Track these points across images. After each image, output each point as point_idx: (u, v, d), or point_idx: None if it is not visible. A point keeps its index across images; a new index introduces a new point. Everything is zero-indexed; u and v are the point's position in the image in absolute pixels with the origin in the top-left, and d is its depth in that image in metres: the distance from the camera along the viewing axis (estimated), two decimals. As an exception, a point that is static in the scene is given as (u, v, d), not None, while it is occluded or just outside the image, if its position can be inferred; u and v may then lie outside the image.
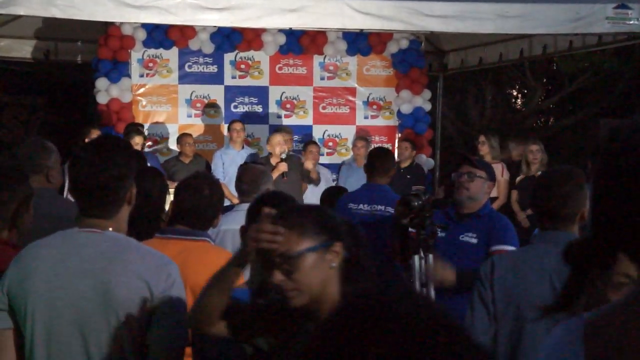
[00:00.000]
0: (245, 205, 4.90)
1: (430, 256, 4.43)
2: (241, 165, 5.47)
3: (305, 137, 11.26)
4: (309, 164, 9.44)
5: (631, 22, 8.05)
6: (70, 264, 2.66)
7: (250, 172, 5.09)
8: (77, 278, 2.64)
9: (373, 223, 5.97)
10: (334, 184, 10.25)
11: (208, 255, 3.69)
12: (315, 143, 10.60)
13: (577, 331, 1.33)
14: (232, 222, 4.46)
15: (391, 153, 6.76)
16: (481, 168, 4.87)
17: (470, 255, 4.61)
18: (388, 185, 6.36)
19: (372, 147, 10.93)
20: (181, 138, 10.22)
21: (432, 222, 4.50)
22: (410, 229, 4.59)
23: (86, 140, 9.22)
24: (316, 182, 9.52)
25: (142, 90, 10.92)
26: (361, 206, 6.19)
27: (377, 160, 6.37)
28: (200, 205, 3.71)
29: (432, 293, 4.39)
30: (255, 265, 2.85)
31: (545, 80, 18.71)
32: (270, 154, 9.31)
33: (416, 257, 4.44)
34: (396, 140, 11.42)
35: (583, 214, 3.33)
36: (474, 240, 4.69)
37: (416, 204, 4.48)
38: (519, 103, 20.99)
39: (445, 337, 1.14)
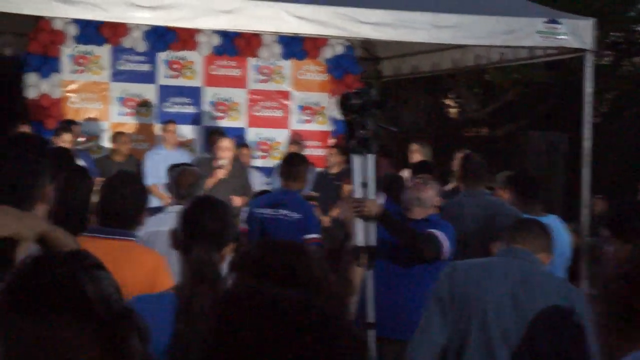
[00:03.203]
0: (179, 207, 4.87)
1: (370, 156, 4.38)
2: (178, 168, 5.37)
3: (238, 139, 11.18)
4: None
5: (560, 37, 8.23)
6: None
7: (190, 177, 5.04)
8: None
9: (275, 226, 6.09)
10: (266, 187, 10.21)
11: (136, 256, 3.67)
12: (246, 146, 10.54)
13: None
14: (164, 224, 4.40)
15: (303, 159, 6.77)
16: (435, 183, 5.06)
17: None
18: (300, 188, 6.41)
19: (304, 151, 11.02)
20: (117, 136, 10.08)
21: (375, 121, 4.44)
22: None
23: (13, 135, 9.03)
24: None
25: (72, 86, 10.73)
26: (266, 210, 6.22)
27: (288, 166, 6.42)
28: (120, 204, 3.67)
29: (372, 194, 4.36)
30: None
31: (475, 90, 18.96)
32: (214, 156, 9.15)
33: (356, 156, 4.39)
34: (330, 146, 11.44)
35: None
36: None
37: (355, 101, 4.39)
38: (453, 112, 21.25)
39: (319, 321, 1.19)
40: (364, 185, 4.35)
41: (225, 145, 9.00)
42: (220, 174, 8.81)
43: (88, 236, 3.69)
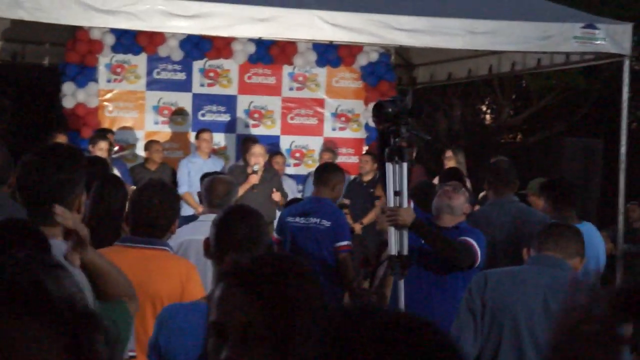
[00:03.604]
0: (213, 216, 4.91)
1: (405, 165, 4.36)
2: (210, 177, 5.39)
3: (272, 147, 11.21)
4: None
5: (598, 42, 8.14)
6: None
7: (223, 185, 5.06)
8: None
9: (306, 235, 6.13)
10: (299, 195, 10.22)
11: (168, 264, 3.68)
12: (280, 154, 10.54)
13: None
14: (197, 232, 4.41)
15: (334, 167, 6.80)
16: (466, 189, 5.02)
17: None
18: (332, 198, 6.40)
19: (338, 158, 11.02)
20: (150, 145, 10.14)
21: (408, 129, 4.43)
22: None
23: (51, 144, 9.13)
24: (280, 207, 9.37)
25: (109, 95, 10.82)
26: (297, 219, 6.24)
27: (320, 174, 6.49)
28: (150, 214, 3.69)
29: (405, 203, 4.34)
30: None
31: (514, 96, 18.85)
32: (247, 163, 9.24)
33: (390, 165, 4.37)
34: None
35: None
36: None
37: (390, 110, 4.38)
38: (488, 119, 21.12)
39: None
40: (397, 194, 4.32)
41: (258, 152, 9.08)
42: (253, 180, 8.90)
43: (120, 245, 3.72)
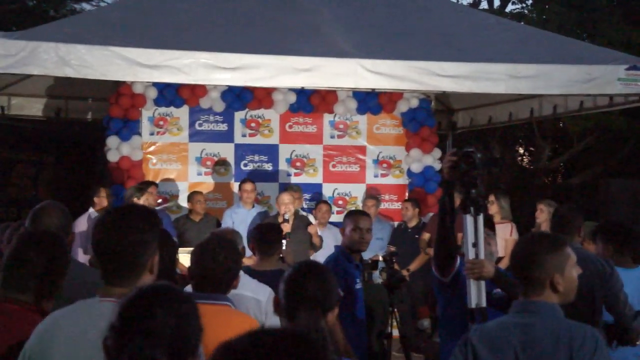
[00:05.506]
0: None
1: (481, 216, 4.28)
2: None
3: (315, 195, 11.22)
4: (312, 229, 9.37)
5: (642, 83, 8.06)
6: (91, 336, 2.58)
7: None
8: (98, 351, 2.56)
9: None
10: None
11: (230, 320, 3.64)
12: (326, 202, 10.49)
13: None
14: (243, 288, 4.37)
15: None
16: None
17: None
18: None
19: (381, 205, 10.98)
20: (192, 196, 10.15)
21: (482, 181, 4.35)
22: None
23: (95, 199, 9.21)
24: (317, 247, 9.44)
25: (152, 148, 10.92)
26: None
27: None
28: (215, 270, 3.67)
29: (482, 254, 4.26)
30: None
31: (552, 138, 18.74)
32: (278, 212, 9.30)
33: (468, 217, 4.28)
34: (407, 200, 11.36)
35: (552, 280, 3.26)
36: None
37: (478, 161, 4.29)
38: (526, 161, 21.01)
39: None
40: (474, 245, 4.26)
41: (286, 200, 9.12)
42: (286, 228, 8.92)
43: (181, 302, 3.68)
